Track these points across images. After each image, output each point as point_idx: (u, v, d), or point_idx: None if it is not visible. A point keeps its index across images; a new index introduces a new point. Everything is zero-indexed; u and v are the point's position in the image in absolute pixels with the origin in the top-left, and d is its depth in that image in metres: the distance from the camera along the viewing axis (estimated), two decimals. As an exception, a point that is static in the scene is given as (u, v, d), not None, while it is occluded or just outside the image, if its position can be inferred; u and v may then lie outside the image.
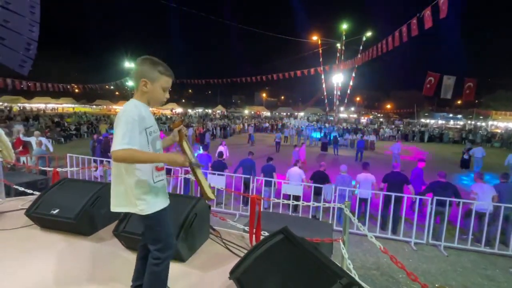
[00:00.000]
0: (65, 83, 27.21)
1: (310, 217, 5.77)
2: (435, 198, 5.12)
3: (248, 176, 6.41)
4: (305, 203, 2.78)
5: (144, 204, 1.45)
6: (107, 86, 37.01)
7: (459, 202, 5.13)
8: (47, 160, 7.45)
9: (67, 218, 2.48)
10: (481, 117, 41.35)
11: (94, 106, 48.35)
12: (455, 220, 5.30)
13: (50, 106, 41.00)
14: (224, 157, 7.06)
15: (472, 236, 4.99)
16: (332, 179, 6.35)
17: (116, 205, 1.50)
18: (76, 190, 2.78)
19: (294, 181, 6.21)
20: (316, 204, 2.67)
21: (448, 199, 5.08)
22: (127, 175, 1.45)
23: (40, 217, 2.59)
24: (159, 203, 1.51)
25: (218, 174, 6.46)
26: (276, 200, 2.93)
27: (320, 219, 5.68)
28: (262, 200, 6.09)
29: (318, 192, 5.98)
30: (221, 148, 8.05)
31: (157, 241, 1.53)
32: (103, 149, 8.51)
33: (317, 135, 21.08)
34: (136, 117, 1.41)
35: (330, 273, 1.40)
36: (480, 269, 4.44)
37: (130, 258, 2.25)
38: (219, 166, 6.64)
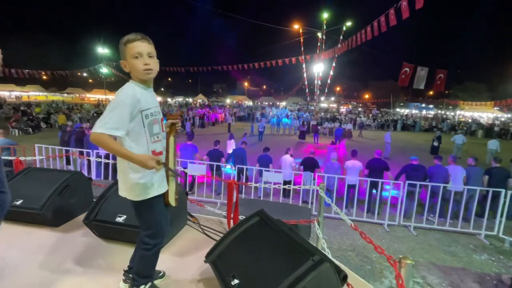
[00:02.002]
0: (31, 68, 25.24)
1: (300, 204, 5.81)
2: (407, 181, 5.47)
3: (240, 166, 6.35)
4: (282, 186, 2.81)
5: (138, 190, 1.44)
6: (79, 73, 34.78)
7: (428, 183, 5.47)
8: (12, 151, 6.94)
9: (32, 209, 2.33)
10: (451, 106, 43.85)
11: (65, 95, 45.36)
12: (423, 199, 5.66)
13: (14, 94, 37.95)
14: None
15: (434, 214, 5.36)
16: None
17: (120, 189, 1.51)
18: (42, 179, 2.62)
19: (286, 169, 6.28)
20: (292, 187, 2.71)
21: (420, 183, 5.39)
22: (122, 160, 1.43)
23: (2, 209, 2.42)
24: (154, 190, 1.48)
25: (199, 163, 6.39)
26: (255, 185, 2.94)
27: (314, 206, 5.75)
28: (239, 186, 6.08)
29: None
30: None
31: (148, 228, 1.54)
32: (76, 139, 8.03)
33: (286, 120, 21.59)
34: (128, 100, 1.34)
35: (304, 251, 1.44)
36: (444, 246, 4.80)
37: (103, 247, 2.18)
38: (215, 154, 6.61)
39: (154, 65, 1.45)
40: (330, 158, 6.43)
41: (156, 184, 1.50)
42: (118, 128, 1.32)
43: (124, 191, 1.49)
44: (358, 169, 6.06)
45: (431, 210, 5.65)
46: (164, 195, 1.59)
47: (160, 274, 1.80)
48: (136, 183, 1.43)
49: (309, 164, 6.32)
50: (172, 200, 1.62)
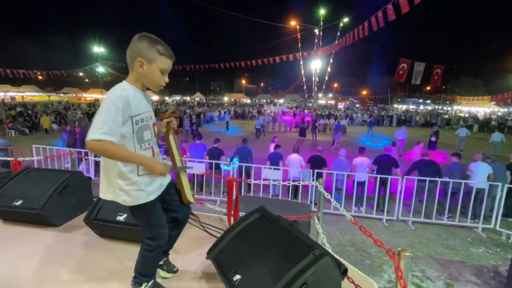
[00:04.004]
0: (27, 68, 25.03)
1: (309, 202, 5.70)
2: (428, 178, 5.42)
3: (246, 164, 6.33)
4: (282, 183, 2.82)
5: (126, 196, 1.37)
6: (74, 73, 34.53)
7: (441, 180, 5.45)
8: (10, 152, 6.91)
9: (32, 209, 2.33)
10: (447, 102, 44.02)
11: (62, 94, 45.09)
12: (440, 197, 5.57)
13: (10, 94, 37.60)
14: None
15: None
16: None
17: (103, 192, 1.43)
18: (41, 179, 2.61)
19: (294, 167, 6.25)
20: (291, 183, 2.72)
21: (430, 178, 5.36)
22: (109, 164, 1.36)
23: (1, 210, 2.41)
24: (143, 196, 1.40)
25: (198, 162, 6.39)
26: (254, 182, 2.96)
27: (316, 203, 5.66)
28: (242, 185, 6.07)
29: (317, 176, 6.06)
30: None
31: (147, 231, 1.51)
32: (82, 141, 7.95)
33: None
34: (120, 104, 1.27)
35: (304, 246, 1.45)
36: (442, 240, 4.86)
37: (104, 246, 2.19)
38: (215, 153, 6.59)
39: None
40: (339, 155, 6.36)
41: (148, 189, 1.43)
42: (112, 133, 1.25)
43: (108, 194, 1.40)
44: (367, 166, 6.05)
45: (453, 210, 5.48)
46: (181, 195, 1.59)
47: (175, 269, 1.82)
48: (124, 189, 1.36)
49: (317, 162, 6.24)
50: (190, 197, 1.61)
